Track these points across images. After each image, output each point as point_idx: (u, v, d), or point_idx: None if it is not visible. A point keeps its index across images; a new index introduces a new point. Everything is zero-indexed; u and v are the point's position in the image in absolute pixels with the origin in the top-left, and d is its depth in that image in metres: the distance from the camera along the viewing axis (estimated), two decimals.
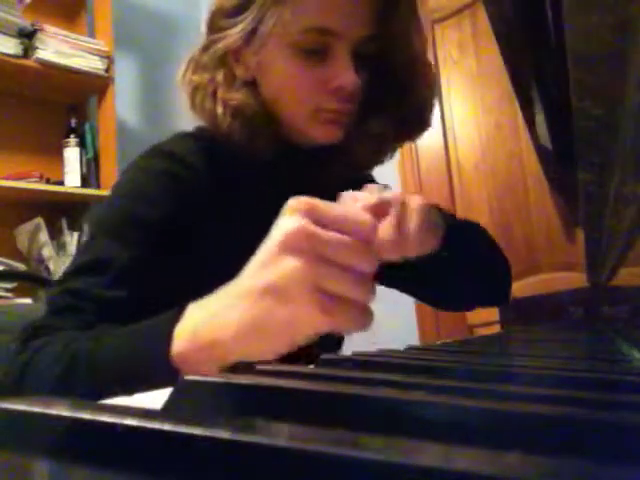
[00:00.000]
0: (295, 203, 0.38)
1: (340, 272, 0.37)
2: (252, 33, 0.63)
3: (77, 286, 0.56)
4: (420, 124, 0.73)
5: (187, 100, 0.68)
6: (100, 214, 0.65)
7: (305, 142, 0.68)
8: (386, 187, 0.56)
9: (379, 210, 0.46)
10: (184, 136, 0.70)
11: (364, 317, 0.38)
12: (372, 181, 0.88)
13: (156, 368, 0.42)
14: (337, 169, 0.73)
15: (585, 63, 0.27)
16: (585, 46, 0.26)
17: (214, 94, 0.66)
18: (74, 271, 0.58)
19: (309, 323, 0.38)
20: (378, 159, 0.74)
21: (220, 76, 0.66)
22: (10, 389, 0.48)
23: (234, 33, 0.63)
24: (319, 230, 0.37)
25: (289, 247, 0.37)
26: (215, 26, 0.65)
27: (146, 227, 0.60)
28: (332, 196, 0.73)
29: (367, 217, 0.39)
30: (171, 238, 0.62)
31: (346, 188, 0.68)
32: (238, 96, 0.65)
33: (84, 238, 0.63)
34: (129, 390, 0.28)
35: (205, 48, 0.67)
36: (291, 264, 0.37)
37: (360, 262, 0.38)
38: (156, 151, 0.67)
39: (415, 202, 0.51)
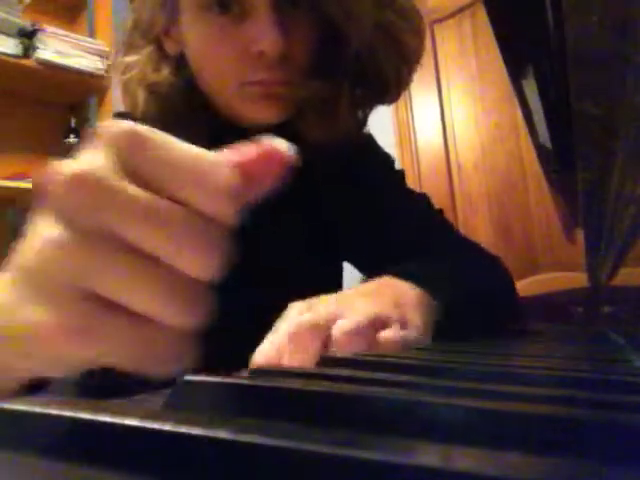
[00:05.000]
0: (112, 129, 0.21)
1: (140, 266, 0.20)
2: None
3: None
4: (380, 89, 0.59)
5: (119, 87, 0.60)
6: None
7: (248, 124, 0.56)
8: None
9: (254, 168, 0.22)
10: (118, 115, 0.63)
11: (168, 352, 0.21)
12: (364, 152, 0.71)
13: None
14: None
15: (585, 63, 0.27)
16: (585, 46, 0.26)
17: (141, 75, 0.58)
18: None
19: (51, 342, 0.20)
20: (336, 130, 0.58)
21: (146, 55, 0.58)
22: None
23: (141, 1, 0.56)
24: (115, 182, 0.20)
25: (57, 205, 0.21)
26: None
27: None
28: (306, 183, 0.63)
29: (225, 172, 0.21)
30: None
31: (329, 167, 0.59)
32: (157, 75, 0.56)
33: None
34: None
35: (132, 26, 0.59)
36: (50, 235, 0.20)
37: (186, 255, 0.20)
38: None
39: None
